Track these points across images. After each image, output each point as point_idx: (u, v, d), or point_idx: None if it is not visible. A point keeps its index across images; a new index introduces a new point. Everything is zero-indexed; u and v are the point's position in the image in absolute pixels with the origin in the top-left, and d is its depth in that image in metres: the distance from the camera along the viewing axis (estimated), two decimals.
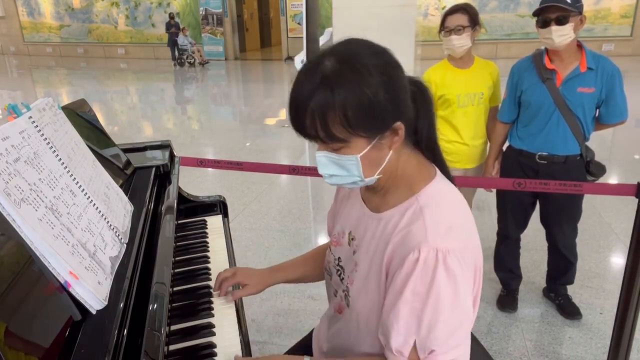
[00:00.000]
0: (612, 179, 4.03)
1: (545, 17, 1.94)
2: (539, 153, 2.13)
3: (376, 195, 0.98)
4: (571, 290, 2.46)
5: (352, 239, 1.02)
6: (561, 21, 1.91)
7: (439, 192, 0.91)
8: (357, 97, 0.78)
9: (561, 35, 1.92)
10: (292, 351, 1.33)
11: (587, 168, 2.13)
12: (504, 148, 2.37)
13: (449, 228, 0.86)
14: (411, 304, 0.84)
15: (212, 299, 1.19)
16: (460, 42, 2.19)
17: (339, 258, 1.06)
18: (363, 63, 0.80)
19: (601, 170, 2.15)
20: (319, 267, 1.27)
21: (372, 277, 0.94)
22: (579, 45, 2.03)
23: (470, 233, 0.90)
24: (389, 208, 0.93)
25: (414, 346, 0.85)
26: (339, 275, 1.06)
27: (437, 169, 0.96)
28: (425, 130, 0.94)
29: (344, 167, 0.87)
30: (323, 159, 0.88)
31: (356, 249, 1.00)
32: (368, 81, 0.79)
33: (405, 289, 0.84)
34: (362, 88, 0.79)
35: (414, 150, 0.95)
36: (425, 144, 0.95)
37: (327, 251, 1.13)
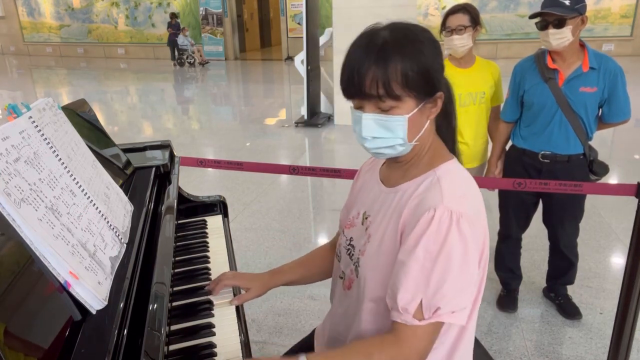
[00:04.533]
0: (612, 179, 4.03)
1: (543, 19, 1.94)
2: (542, 152, 2.13)
3: (397, 170, 1.03)
4: (571, 290, 2.47)
5: (366, 218, 1.05)
6: (559, 24, 1.91)
7: (456, 169, 0.98)
8: (416, 61, 0.88)
9: (559, 38, 1.93)
10: (293, 351, 1.33)
11: (590, 167, 2.13)
12: (507, 147, 2.37)
13: (463, 195, 0.92)
14: (422, 262, 0.87)
15: (212, 298, 1.19)
16: (462, 42, 2.19)
17: (351, 238, 1.09)
18: (417, 34, 0.92)
19: (604, 169, 2.15)
20: (318, 267, 1.28)
21: (386, 244, 0.96)
22: (582, 45, 2.03)
23: (480, 209, 0.94)
24: (406, 181, 0.99)
25: (420, 304, 0.87)
26: (349, 254, 1.08)
27: (454, 156, 1.03)
28: (451, 123, 1.04)
29: (389, 129, 0.92)
30: (370, 122, 0.93)
31: (369, 224, 1.03)
32: (425, 49, 0.90)
33: (417, 246, 0.87)
34: (421, 53, 0.89)
35: (436, 133, 1.02)
36: (451, 136, 1.04)
37: (339, 237, 1.16)
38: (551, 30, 1.92)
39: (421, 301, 0.87)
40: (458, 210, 0.87)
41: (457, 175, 0.97)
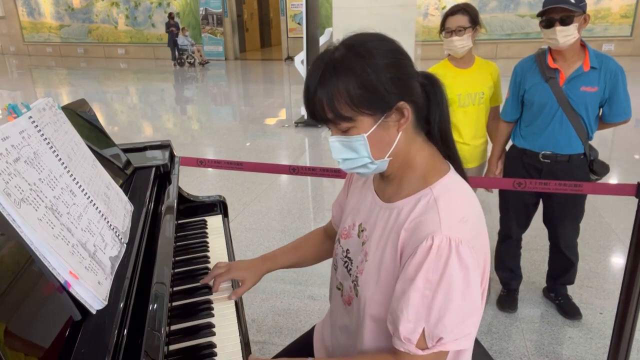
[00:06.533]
0: (612, 179, 4.03)
1: (549, 17, 1.94)
2: (543, 152, 2.13)
3: (390, 186, 0.99)
4: (571, 290, 2.47)
5: (362, 231, 1.03)
6: (565, 21, 1.90)
7: (454, 184, 0.93)
8: (359, 77, 0.85)
9: (566, 35, 1.92)
10: (292, 348, 1.33)
11: (590, 167, 2.13)
12: (507, 147, 2.37)
13: (462, 219, 0.87)
14: (422, 291, 0.84)
15: (212, 297, 1.19)
16: (462, 43, 2.19)
17: (347, 250, 1.07)
18: (367, 48, 0.86)
19: (605, 169, 2.15)
20: (311, 253, 1.30)
21: (385, 266, 0.94)
22: (582, 45, 2.03)
23: (480, 228, 0.91)
24: (401, 198, 0.95)
25: (423, 334, 0.86)
26: (346, 267, 1.07)
27: (450, 165, 0.97)
28: (437, 121, 0.96)
29: (353, 149, 0.90)
30: (336, 144, 0.92)
31: (366, 239, 1.01)
32: (370, 62, 0.85)
33: (417, 276, 0.85)
34: (364, 68, 0.85)
35: (428, 143, 0.97)
36: (439, 135, 0.97)
37: (335, 244, 1.15)
38: (558, 28, 1.91)
39: (423, 330, 0.85)
40: (457, 236, 0.84)
41: (455, 194, 0.92)
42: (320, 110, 0.88)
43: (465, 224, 0.87)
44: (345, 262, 1.07)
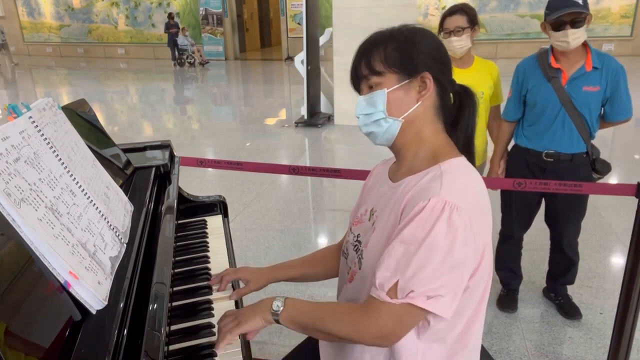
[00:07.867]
0: (612, 179, 4.03)
1: (559, 20, 1.92)
2: (546, 151, 2.13)
3: (402, 166, 1.05)
4: (571, 290, 2.46)
5: (373, 214, 1.07)
6: (577, 23, 1.91)
7: (463, 166, 0.99)
8: (399, 43, 0.98)
9: (577, 37, 1.93)
10: (298, 350, 1.33)
11: (592, 166, 2.14)
12: (509, 147, 2.37)
13: (463, 190, 0.92)
14: (407, 245, 0.88)
15: (212, 297, 1.19)
16: (460, 43, 2.19)
17: (358, 235, 1.10)
18: (416, 32, 1.00)
19: (607, 167, 2.16)
20: (322, 267, 1.30)
21: (386, 233, 0.97)
22: (584, 44, 2.03)
23: (481, 209, 0.94)
24: (411, 175, 1.00)
25: (396, 285, 0.89)
26: (355, 249, 1.09)
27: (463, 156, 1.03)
28: (464, 129, 1.04)
29: (373, 104, 1.00)
30: (361, 101, 1.03)
31: (375, 219, 1.05)
32: (414, 39, 0.98)
33: (405, 229, 0.89)
34: (407, 40, 0.98)
35: (446, 134, 1.04)
36: (462, 142, 1.04)
37: (347, 234, 1.18)
38: (570, 30, 1.91)
39: (397, 282, 0.88)
40: (453, 202, 0.87)
41: (462, 171, 0.97)
42: (359, 70, 1.01)
43: (466, 194, 0.91)
44: (356, 245, 1.10)
